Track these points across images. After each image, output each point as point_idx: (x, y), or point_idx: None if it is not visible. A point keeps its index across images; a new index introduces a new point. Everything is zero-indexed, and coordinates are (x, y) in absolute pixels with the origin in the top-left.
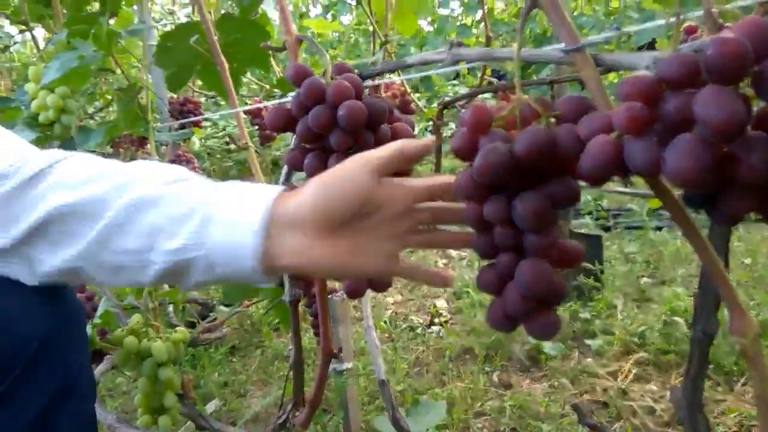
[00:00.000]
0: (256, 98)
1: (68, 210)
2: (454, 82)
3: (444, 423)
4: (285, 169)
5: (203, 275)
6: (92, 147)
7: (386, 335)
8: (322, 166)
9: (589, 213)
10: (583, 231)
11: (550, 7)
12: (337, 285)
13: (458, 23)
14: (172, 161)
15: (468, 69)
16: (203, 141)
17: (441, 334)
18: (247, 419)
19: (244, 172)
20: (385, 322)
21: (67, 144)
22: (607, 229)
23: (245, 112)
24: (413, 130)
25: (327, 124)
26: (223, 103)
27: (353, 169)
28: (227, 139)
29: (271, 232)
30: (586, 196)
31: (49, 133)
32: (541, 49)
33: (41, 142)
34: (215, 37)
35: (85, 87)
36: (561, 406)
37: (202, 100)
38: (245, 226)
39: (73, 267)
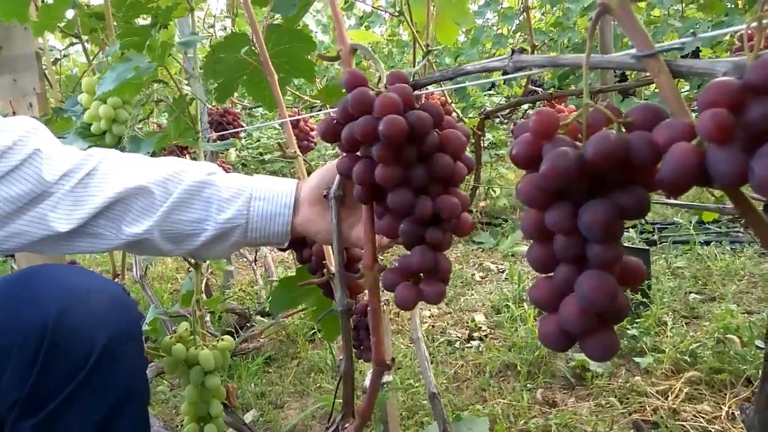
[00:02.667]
0: (294, 109)
1: (131, 193)
2: (490, 92)
3: None
4: (338, 176)
5: (239, 238)
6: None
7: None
8: (370, 174)
9: (633, 226)
10: (628, 245)
11: (622, 12)
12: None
13: (494, 33)
14: None
15: (504, 80)
16: (238, 152)
17: (480, 349)
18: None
19: None
20: (423, 335)
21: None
22: (651, 243)
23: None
24: (467, 138)
25: (370, 136)
26: (258, 114)
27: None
28: (261, 150)
29: (296, 208)
30: None
31: (100, 142)
32: (612, 55)
33: None
34: (265, 47)
35: (137, 98)
36: (609, 426)
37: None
38: (283, 204)
39: (143, 238)
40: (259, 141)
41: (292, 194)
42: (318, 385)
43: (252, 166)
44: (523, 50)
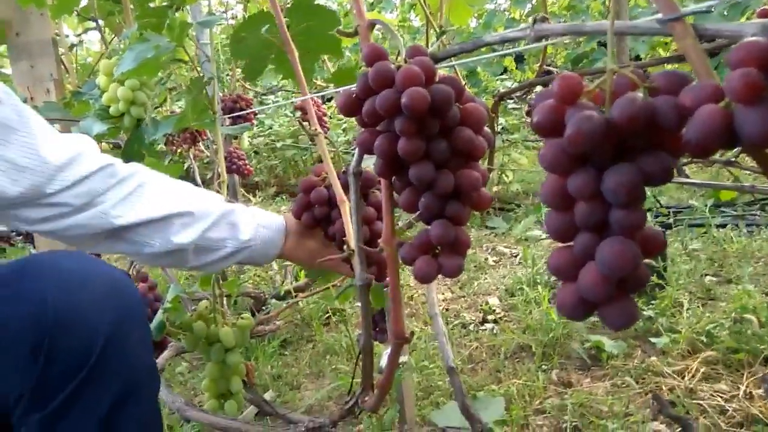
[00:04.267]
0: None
1: (177, 214)
2: (502, 77)
3: (503, 419)
4: (357, 151)
5: (243, 258)
6: (160, 138)
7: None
8: (392, 148)
9: (649, 210)
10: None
11: None
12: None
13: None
14: (225, 157)
15: (516, 63)
16: (250, 140)
17: (495, 331)
18: (303, 411)
19: (289, 170)
20: None
21: (136, 135)
22: (667, 226)
23: (295, 107)
24: (486, 112)
25: (392, 109)
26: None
27: None
28: (273, 138)
29: (286, 235)
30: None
31: (119, 124)
32: (637, 21)
33: (112, 134)
34: (285, 26)
35: (155, 79)
36: (625, 405)
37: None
38: (279, 231)
39: (183, 248)
40: (271, 128)
41: (283, 225)
42: (333, 367)
43: (264, 154)
44: (545, 18)
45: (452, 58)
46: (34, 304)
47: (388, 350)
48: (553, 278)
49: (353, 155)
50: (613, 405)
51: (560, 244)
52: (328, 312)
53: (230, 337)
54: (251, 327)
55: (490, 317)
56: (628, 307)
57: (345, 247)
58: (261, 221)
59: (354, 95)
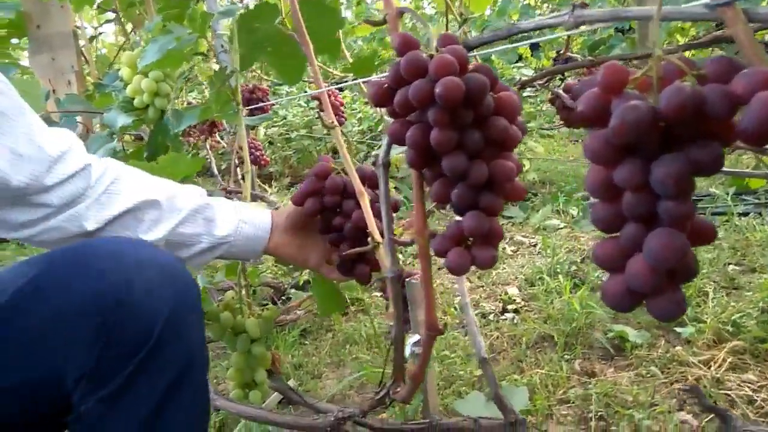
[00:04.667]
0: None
1: (145, 205)
2: (519, 64)
3: (527, 409)
4: (386, 141)
5: (222, 253)
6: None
7: (457, 321)
8: (425, 138)
9: None
10: None
11: None
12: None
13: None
14: (241, 148)
15: (531, 51)
16: (265, 130)
17: (515, 321)
18: (327, 401)
19: (303, 160)
20: (455, 308)
21: (159, 127)
22: None
23: (312, 98)
24: (519, 101)
25: (426, 99)
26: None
27: None
28: (287, 128)
29: (272, 231)
30: None
31: (143, 116)
32: (684, 6)
33: (136, 126)
34: (301, 19)
35: (179, 71)
36: (650, 395)
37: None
38: (263, 228)
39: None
40: (285, 119)
41: (269, 221)
42: (354, 356)
43: (278, 144)
44: (584, 4)
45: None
46: (97, 286)
47: (411, 340)
48: (573, 268)
49: (367, 145)
50: (639, 395)
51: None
52: (347, 301)
53: (256, 327)
54: (276, 317)
55: (510, 307)
56: (676, 298)
57: (369, 239)
58: (243, 217)
59: (385, 85)
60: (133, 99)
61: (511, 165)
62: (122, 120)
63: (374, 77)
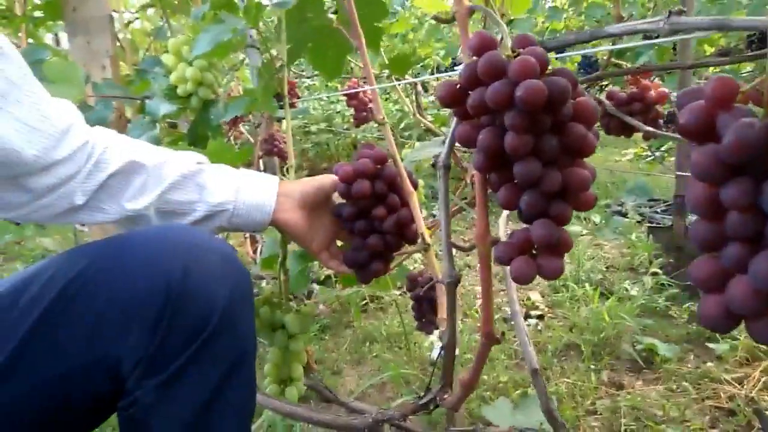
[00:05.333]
0: (353, 80)
1: (130, 169)
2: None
3: None
4: (448, 142)
5: (223, 222)
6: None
7: (477, 325)
8: (498, 143)
9: None
10: None
11: None
12: (432, 274)
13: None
14: (266, 140)
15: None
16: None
17: (539, 328)
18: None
19: (321, 154)
20: (477, 311)
21: (202, 116)
22: None
23: (346, 95)
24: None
25: (504, 102)
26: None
27: (326, 176)
28: (306, 122)
29: (279, 199)
30: None
31: (186, 105)
32: None
33: (178, 114)
34: (354, 10)
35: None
36: (681, 411)
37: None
38: (268, 196)
39: (142, 213)
40: (300, 117)
41: (275, 188)
42: (374, 354)
43: (297, 137)
44: (681, 11)
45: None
46: (159, 273)
47: (439, 343)
48: (599, 276)
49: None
50: (669, 410)
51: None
52: (365, 298)
53: (295, 323)
54: (314, 314)
55: (533, 312)
56: None
57: (420, 240)
58: (244, 183)
59: (457, 86)
60: (177, 87)
61: (587, 174)
62: (165, 108)
63: (443, 77)
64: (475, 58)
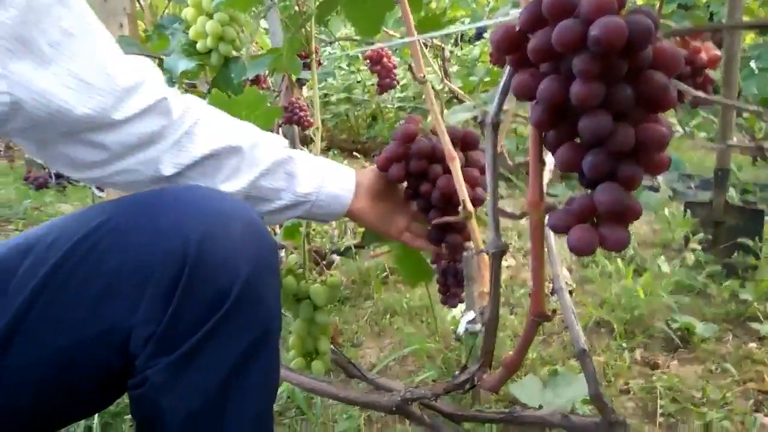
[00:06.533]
0: (377, 47)
1: (226, 151)
2: None
3: (588, 398)
4: (498, 96)
5: (302, 213)
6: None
7: (502, 299)
8: (562, 93)
9: (733, 185)
10: (740, 204)
11: None
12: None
13: None
14: (286, 107)
15: None
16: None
17: (571, 306)
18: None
19: (340, 125)
20: (501, 286)
21: (222, 74)
22: (753, 204)
23: (365, 57)
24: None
25: (574, 43)
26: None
27: None
28: (326, 91)
29: (355, 193)
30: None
31: (206, 61)
32: None
33: (197, 73)
34: None
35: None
36: (723, 394)
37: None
38: (347, 188)
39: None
40: (325, 81)
41: (353, 180)
42: (395, 327)
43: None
44: None
45: None
46: (176, 237)
47: (465, 318)
48: (630, 252)
49: (409, 113)
50: (709, 392)
51: None
52: (386, 270)
53: (321, 294)
54: (340, 285)
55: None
56: None
57: (460, 209)
58: (327, 174)
59: (516, 29)
60: (196, 43)
61: (664, 130)
62: (183, 65)
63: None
64: None
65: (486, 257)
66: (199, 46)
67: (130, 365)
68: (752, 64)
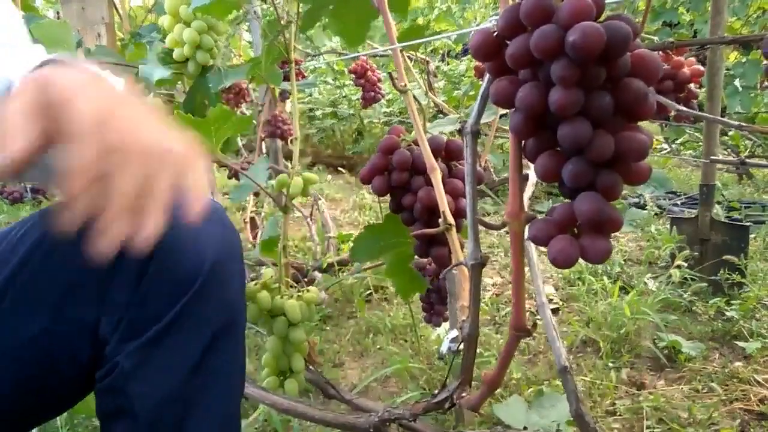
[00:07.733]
0: (362, 58)
1: None
2: None
3: (571, 420)
4: (477, 105)
5: None
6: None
7: (488, 317)
8: (541, 100)
9: (719, 203)
10: (724, 220)
11: None
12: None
13: None
14: (269, 121)
15: None
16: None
17: (552, 322)
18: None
19: (324, 140)
20: (486, 303)
21: (199, 83)
22: (737, 221)
23: (349, 71)
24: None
25: (553, 49)
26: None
27: None
28: (311, 106)
29: None
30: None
31: (183, 70)
32: None
33: (174, 81)
34: None
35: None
36: (709, 413)
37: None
38: None
39: None
40: (310, 96)
41: None
42: (378, 346)
43: (301, 122)
44: None
45: None
46: None
47: (449, 336)
48: (616, 269)
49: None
50: (695, 412)
51: None
52: (369, 288)
53: (296, 310)
54: (317, 301)
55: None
56: None
57: (440, 220)
58: None
59: (493, 34)
60: (173, 51)
61: (644, 138)
62: (159, 73)
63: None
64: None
65: (466, 270)
66: (175, 54)
67: (99, 355)
68: (736, 82)
